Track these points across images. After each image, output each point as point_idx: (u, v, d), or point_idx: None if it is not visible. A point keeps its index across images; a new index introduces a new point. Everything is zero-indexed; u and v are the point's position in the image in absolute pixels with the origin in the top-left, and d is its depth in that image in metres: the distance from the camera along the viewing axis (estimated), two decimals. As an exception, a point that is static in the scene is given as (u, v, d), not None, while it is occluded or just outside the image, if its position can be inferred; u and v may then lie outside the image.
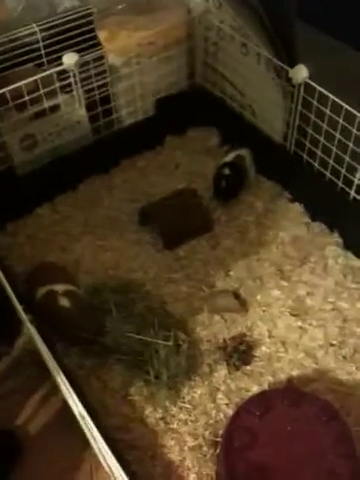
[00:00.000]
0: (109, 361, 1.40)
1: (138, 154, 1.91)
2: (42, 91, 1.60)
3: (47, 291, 1.41)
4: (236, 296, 1.53)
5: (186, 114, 1.91)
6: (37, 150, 1.71)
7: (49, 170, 1.73)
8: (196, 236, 1.68)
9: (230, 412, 1.31)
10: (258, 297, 1.54)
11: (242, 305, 1.51)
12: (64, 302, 1.38)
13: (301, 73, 1.56)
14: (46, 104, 1.64)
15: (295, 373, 1.40)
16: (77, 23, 1.69)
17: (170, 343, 1.35)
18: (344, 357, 1.43)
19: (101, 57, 1.70)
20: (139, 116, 1.87)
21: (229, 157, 1.79)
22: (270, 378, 1.39)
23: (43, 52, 1.67)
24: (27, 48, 1.66)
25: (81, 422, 1.12)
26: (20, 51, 1.65)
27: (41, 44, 1.66)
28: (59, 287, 1.41)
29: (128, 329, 1.40)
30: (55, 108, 1.69)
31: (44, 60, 1.68)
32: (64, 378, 1.09)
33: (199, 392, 1.36)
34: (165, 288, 1.55)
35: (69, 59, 1.58)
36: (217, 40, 1.83)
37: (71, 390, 1.08)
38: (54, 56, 1.67)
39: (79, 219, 1.74)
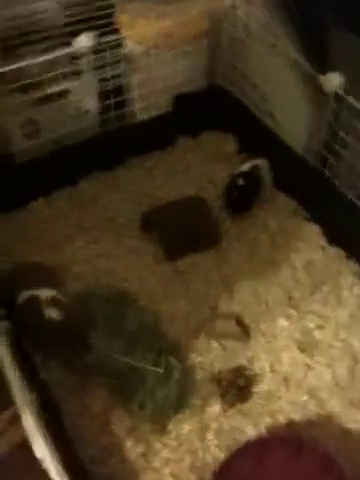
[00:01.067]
0: (91, 381, 1.25)
1: (147, 153, 1.76)
2: (50, 74, 1.45)
3: (30, 296, 1.26)
4: (239, 322, 1.38)
5: (202, 115, 1.76)
6: (39, 138, 1.56)
7: (49, 161, 1.58)
8: (201, 249, 1.53)
9: (220, 455, 1.17)
10: (262, 325, 1.39)
11: (244, 333, 1.37)
12: (48, 311, 1.24)
13: (333, 81, 1.41)
14: (53, 88, 1.49)
15: (296, 415, 1.25)
16: (99, 4, 1.53)
17: (160, 370, 1.21)
18: (351, 402, 1.28)
19: (118, 44, 1.55)
20: (152, 112, 1.72)
21: (245, 166, 1.65)
22: (268, 419, 1.24)
23: (59, 32, 1.51)
24: (43, 25, 1.50)
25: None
26: (35, 27, 1.48)
27: (59, 21, 1.49)
28: (44, 293, 1.27)
29: (115, 348, 1.25)
30: (63, 94, 1.54)
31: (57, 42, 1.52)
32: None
33: (187, 428, 1.21)
34: (161, 304, 1.41)
35: (84, 41, 1.43)
36: (243, 38, 1.68)
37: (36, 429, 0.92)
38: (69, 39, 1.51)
39: (75, 218, 1.60)
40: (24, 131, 1.53)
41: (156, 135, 1.73)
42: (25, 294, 1.27)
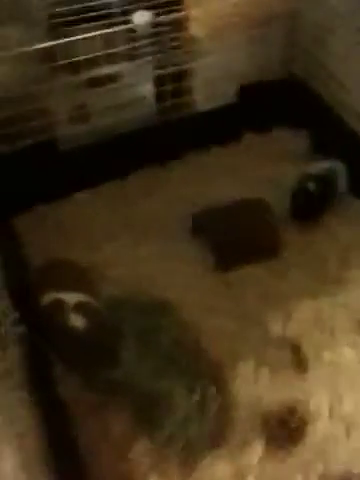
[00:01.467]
0: (114, 402, 1.08)
1: (206, 148, 1.59)
2: (102, 53, 1.30)
3: (55, 300, 1.12)
4: (295, 349, 1.17)
5: (274, 109, 1.56)
6: (88, 125, 1.42)
7: (96, 151, 1.44)
8: (257, 260, 1.33)
9: (258, 509, 0.96)
10: (324, 355, 1.17)
11: (301, 362, 1.16)
12: (74, 319, 1.08)
13: None
14: (106, 70, 1.35)
15: (355, 467, 1.03)
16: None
17: (195, 398, 1.02)
18: None
19: (180, 24, 1.38)
20: (216, 102, 1.54)
21: (317, 169, 1.44)
22: (321, 467, 1.03)
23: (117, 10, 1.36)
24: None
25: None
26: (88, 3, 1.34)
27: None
28: (71, 297, 1.12)
29: (145, 366, 1.08)
30: (116, 77, 1.39)
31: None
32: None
33: (221, 472, 1.01)
34: (205, 320, 1.21)
35: (140, 17, 1.28)
36: (327, 22, 1.45)
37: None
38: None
39: (120, 214, 1.44)
40: (72, 115, 1.39)
41: (218, 129, 1.54)
42: (50, 296, 1.13)
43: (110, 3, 1.34)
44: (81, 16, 1.29)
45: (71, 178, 1.43)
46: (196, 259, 1.34)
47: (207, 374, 1.07)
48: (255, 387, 1.12)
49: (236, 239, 1.32)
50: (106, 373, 1.08)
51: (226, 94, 1.53)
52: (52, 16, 1.28)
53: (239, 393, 1.10)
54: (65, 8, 1.28)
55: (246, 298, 1.26)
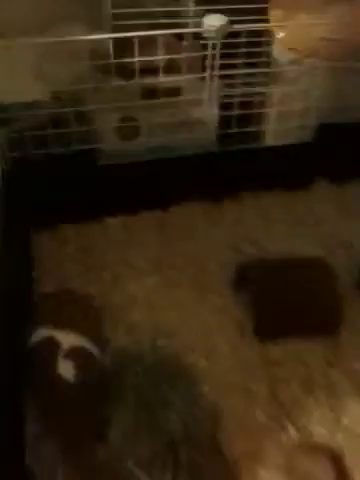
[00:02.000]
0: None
1: (267, 190, 1.35)
2: (161, 57, 1.11)
3: (47, 338, 0.90)
4: (335, 459, 0.89)
5: (356, 156, 1.31)
6: (134, 142, 1.23)
7: (140, 172, 1.23)
8: (309, 334, 1.07)
9: None
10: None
11: (340, 475, 0.87)
12: (63, 367, 0.86)
13: None
14: (163, 80, 1.16)
15: None
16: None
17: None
18: None
19: (260, 38, 1.17)
20: (289, 139, 1.30)
21: None
22: None
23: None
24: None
25: None
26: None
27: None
28: (67, 338, 0.90)
29: (139, 452, 0.83)
30: (175, 92, 1.19)
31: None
32: None
33: None
34: (230, 404, 0.96)
35: (213, 21, 1.07)
36: None
37: None
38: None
39: (154, 250, 1.23)
40: (119, 127, 1.20)
41: (286, 169, 1.31)
42: (43, 332, 0.91)
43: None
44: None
45: (105, 199, 1.23)
46: (232, 319, 1.10)
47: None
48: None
49: (285, 303, 1.06)
50: (89, 445, 0.84)
51: (302, 131, 1.30)
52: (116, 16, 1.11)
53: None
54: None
55: (286, 382, 0.99)
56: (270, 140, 1.31)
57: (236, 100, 1.22)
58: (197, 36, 1.10)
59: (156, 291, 1.15)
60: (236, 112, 1.23)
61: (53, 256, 1.19)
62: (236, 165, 1.28)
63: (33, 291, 1.10)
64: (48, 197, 1.20)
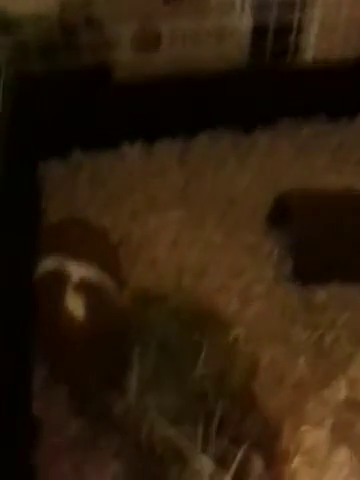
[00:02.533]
0: (106, 440, 0.72)
1: (310, 117, 1.17)
2: None
3: (54, 269, 0.76)
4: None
5: None
6: (156, 54, 1.06)
7: (162, 91, 1.07)
8: (357, 278, 0.92)
9: None
10: None
11: None
12: (72, 301, 0.73)
13: None
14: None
15: None
16: None
17: (227, 478, 0.63)
18: None
19: None
20: (334, 56, 1.12)
21: None
22: None
23: None
24: None
25: None
26: None
27: None
28: (78, 269, 0.76)
29: (162, 404, 0.70)
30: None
31: None
32: None
33: None
34: (267, 348, 0.83)
35: None
36: None
37: None
38: None
39: (179, 182, 1.08)
40: (138, 39, 1.03)
41: (329, 93, 1.13)
42: (51, 262, 0.77)
43: None
44: None
45: (122, 122, 1.08)
46: (268, 260, 0.95)
47: (255, 442, 0.67)
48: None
49: (332, 242, 0.91)
50: (103, 395, 0.72)
51: (351, 47, 1.12)
52: None
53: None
54: None
55: (331, 330, 0.85)
56: (312, 56, 1.13)
57: (274, 7, 1.04)
58: None
59: (180, 227, 1.00)
60: (273, 21, 1.05)
61: (64, 187, 1.05)
62: (272, 87, 1.11)
63: (40, 223, 0.97)
64: (57, 120, 1.05)
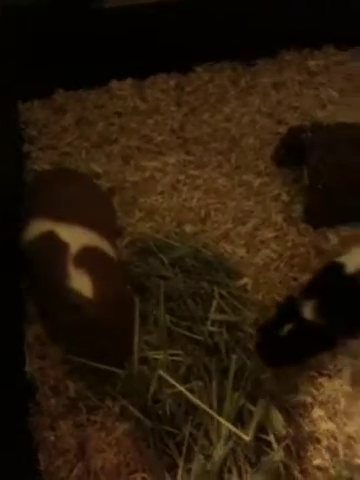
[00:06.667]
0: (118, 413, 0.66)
1: (314, 47, 1.07)
2: None
3: (46, 232, 0.68)
4: None
5: None
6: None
7: (153, 18, 0.96)
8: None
9: None
10: None
11: None
12: (78, 281, 0.64)
13: None
14: None
15: None
16: None
17: (247, 438, 0.58)
18: None
19: None
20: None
21: None
22: None
23: None
24: None
25: None
26: None
27: None
28: (73, 234, 0.67)
29: (171, 362, 0.64)
30: None
31: None
32: None
33: None
34: (278, 297, 0.76)
35: None
36: None
37: None
38: None
39: (176, 121, 0.99)
40: None
41: (338, 20, 1.02)
42: (39, 225, 0.69)
43: None
44: None
45: (110, 56, 0.97)
46: (275, 204, 0.88)
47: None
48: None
49: (346, 183, 0.83)
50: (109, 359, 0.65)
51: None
52: None
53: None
54: None
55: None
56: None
57: None
58: None
59: (179, 170, 0.92)
60: None
61: (48, 129, 0.96)
62: (273, 12, 1.00)
63: (24, 170, 0.88)
64: (39, 55, 0.94)
